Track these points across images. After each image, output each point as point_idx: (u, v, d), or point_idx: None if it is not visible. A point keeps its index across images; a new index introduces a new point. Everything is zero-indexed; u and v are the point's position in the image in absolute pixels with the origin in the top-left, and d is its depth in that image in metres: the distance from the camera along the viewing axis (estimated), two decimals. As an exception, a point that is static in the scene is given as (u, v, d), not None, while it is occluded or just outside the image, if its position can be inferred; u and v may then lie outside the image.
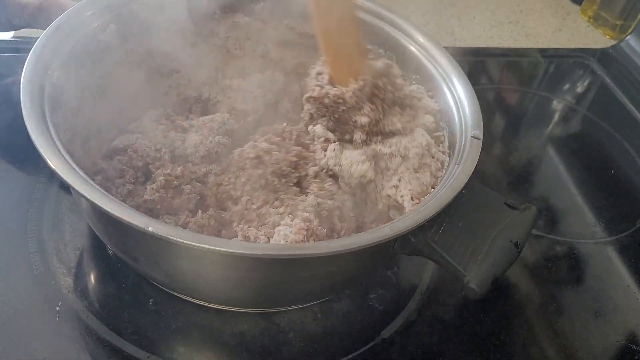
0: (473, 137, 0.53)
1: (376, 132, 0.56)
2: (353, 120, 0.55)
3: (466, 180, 0.49)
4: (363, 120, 0.55)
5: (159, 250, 0.46)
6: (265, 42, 0.69)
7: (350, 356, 0.55)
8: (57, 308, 0.54)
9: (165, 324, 0.55)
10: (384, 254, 0.52)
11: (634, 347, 0.60)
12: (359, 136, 0.55)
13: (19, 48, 0.78)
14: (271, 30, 0.69)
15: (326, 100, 0.55)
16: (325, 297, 0.58)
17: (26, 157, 0.66)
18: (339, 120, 0.56)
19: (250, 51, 0.69)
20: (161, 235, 0.40)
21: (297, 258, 0.44)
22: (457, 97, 0.59)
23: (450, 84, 0.60)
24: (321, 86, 0.56)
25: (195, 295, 0.55)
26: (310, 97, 0.56)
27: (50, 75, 0.51)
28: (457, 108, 0.58)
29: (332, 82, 0.56)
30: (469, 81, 0.59)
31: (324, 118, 0.57)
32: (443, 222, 0.48)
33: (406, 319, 0.59)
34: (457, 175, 0.49)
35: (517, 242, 0.47)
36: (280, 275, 0.48)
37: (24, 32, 0.84)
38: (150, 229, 0.40)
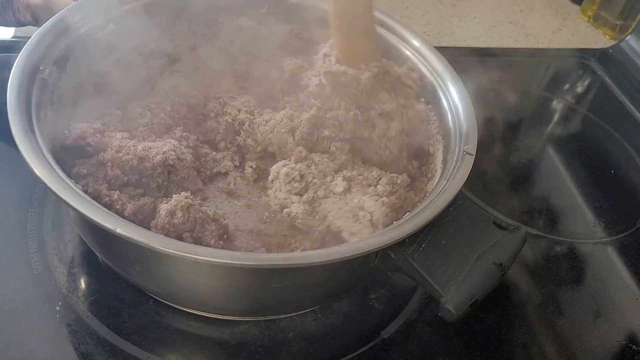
0: (465, 152, 0.51)
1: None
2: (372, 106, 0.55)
3: (451, 199, 0.47)
4: (387, 107, 0.55)
5: (144, 259, 0.45)
6: (270, 47, 0.68)
7: (350, 356, 0.55)
8: (57, 308, 0.54)
9: (165, 324, 0.55)
10: (365, 268, 0.50)
11: (634, 347, 0.60)
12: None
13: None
14: (275, 35, 0.68)
15: (342, 79, 0.54)
16: (309, 308, 0.57)
17: (26, 157, 0.66)
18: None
19: (255, 56, 0.68)
20: (132, 238, 0.39)
21: (274, 268, 0.42)
22: (455, 113, 0.57)
23: (449, 97, 0.58)
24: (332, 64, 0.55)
25: (182, 303, 0.54)
26: (329, 71, 0.55)
27: (42, 72, 0.50)
28: (454, 122, 0.56)
29: (339, 64, 0.56)
30: (468, 96, 0.57)
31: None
32: (425, 239, 0.46)
33: (406, 319, 0.59)
34: (443, 192, 0.48)
35: (501, 264, 0.45)
36: (255, 285, 0.47)
37: (24, 32, 0.84)
38: (118, 230, 0.39)
